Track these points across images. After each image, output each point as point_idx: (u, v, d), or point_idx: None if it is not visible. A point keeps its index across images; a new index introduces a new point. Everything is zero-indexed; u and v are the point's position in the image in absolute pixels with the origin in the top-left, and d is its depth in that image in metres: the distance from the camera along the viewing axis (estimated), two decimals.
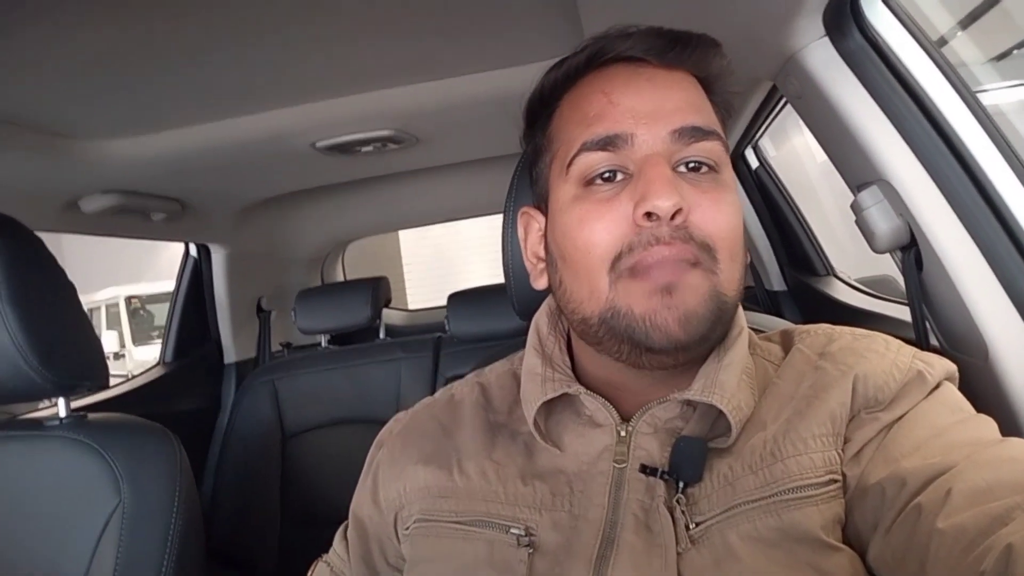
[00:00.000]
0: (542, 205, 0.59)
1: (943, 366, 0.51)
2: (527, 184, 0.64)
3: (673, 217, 0.47)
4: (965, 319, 0.65)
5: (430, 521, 0.57)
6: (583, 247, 0.51)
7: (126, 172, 1.24)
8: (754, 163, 1.53)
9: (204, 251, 1.85)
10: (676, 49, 0.52)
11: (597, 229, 0.50)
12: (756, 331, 0.62)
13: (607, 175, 0.51)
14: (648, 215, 0.47)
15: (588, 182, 0.52)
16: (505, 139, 0.65)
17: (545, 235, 0.58)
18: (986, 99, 0.68)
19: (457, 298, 1.72)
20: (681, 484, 0.50)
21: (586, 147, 0.51)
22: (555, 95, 0.57)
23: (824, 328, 0.57)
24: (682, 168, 0.51)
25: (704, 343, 0.50)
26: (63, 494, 0.84)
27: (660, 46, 0.52)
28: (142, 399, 1.60)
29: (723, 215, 0.50)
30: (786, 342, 0.58)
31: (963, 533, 0.38)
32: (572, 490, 0.53)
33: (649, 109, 0.50)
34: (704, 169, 0.51)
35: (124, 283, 6.81)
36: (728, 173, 0.52)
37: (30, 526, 0.84)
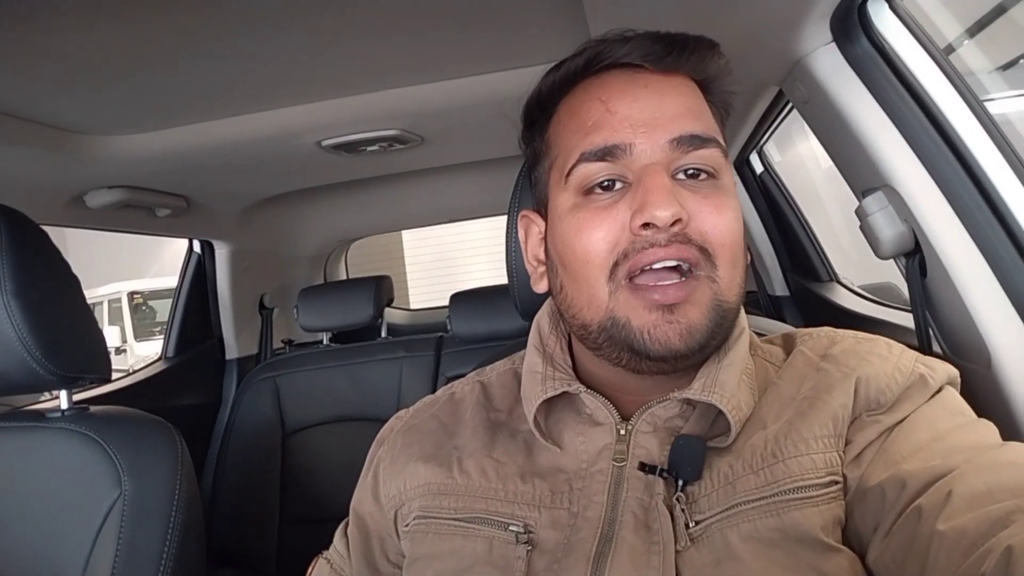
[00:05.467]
0: (542, 209, 0.59)
1: (945, 370, 0.51)
2: (530, 186, 0.64)
3: (672, 225, 0.47)
4: (968, 326, 0.65)
5: (430, 518, 0.57)
6: (581, 255, 0.51)
7: (132, 168, 1.24)
8: (759, 168, 1.53)
9: (208, 247, 1.85)
10: (673, 54, 0.52)
11: (595, 238, 0.50)
12: (758, 335, 0.62)
13: (606, 184, 0.51)
14: (646, 225, 0.48)
15: (587, 191, 0.52)
16: (510, 141, 0.64)
17: (545, 239, 0.59)
18: (993, 108, 0.68)
19: (459, 298, 1.72)
20: (680, 482, 0.50)
21: (585, 157, 0.51)
22: (553, 99, 0.57)
23: (826, 331, 0.57)
24: (681, 175, 0.51)
25: (703, 351, 0.50)
26: (64, 486, 0.84)
27: (657, 52, 0.52)
28: (143, 393, 1.61)
29: (724, 220, 0.50)
30: (788, 344, 0.58)
31: (963, 535, 0.38)
32: (572, 488, 0.53)
33: (647, 117, 0.50)
34: (703, 176, 0.51)
35: (127, 278, 6.83)
36: (727, 178, 0.53)
37: (31, 517, 0.84)
